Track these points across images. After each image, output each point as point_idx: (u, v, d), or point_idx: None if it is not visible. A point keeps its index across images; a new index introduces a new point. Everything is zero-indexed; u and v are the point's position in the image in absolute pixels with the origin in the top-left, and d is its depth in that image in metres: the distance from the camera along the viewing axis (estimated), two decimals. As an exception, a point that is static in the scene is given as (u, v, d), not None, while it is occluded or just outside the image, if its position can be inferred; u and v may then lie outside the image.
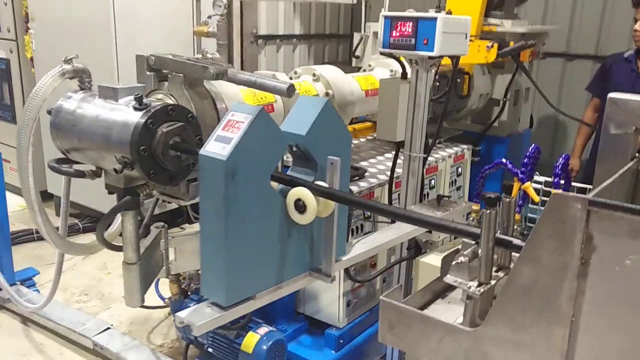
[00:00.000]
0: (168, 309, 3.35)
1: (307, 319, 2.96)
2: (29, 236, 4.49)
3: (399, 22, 2.43)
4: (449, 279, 1.24)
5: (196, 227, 3.98)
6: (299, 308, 2.96)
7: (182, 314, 1.47)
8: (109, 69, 4.04)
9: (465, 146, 3.80)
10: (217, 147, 1.41)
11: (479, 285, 1.21)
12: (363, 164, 3.19)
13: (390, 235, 1.98)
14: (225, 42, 2.64)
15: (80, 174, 1.97)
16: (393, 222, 2.30)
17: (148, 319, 3.54)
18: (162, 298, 3.18)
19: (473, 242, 1.28)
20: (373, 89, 3.25)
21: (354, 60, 5.15)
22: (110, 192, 1.98)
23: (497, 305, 1.13)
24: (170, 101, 2.05)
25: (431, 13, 2.46)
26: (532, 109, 4.83)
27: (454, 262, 1.23)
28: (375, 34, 4.68)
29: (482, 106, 4.16)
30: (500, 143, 4.22)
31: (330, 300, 2.83)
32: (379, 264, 2.95)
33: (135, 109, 1.77)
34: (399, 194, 2.83)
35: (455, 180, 3.71)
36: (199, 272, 2.86)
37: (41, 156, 4.32)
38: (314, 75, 2.94)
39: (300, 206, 1.50)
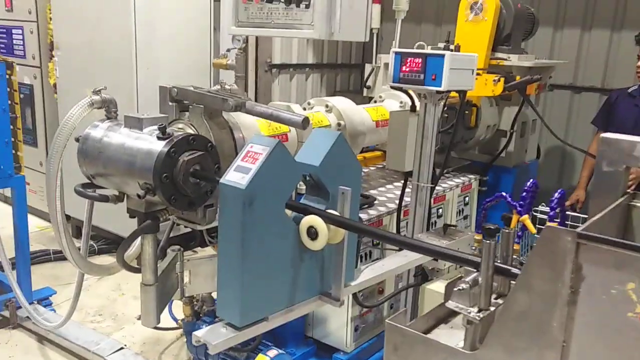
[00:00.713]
0: (180, 331, 3.43)
1: (316, 343, 3.01)
2: (46, 256, 4.61)
3: (409, 58, 2.55)
4: (451, 304, 1.32)
5: (208, 250, 4.07)
6: (308, 332, 3.02)
7: (198, 333, 1.56)
8: (129, 97, 4.19)
9: (472, 176, 3.88)
10: (236, 176, 1.52)
11: (479, 311, 1.29)
12: (372, 192, 3.28)
13: (397, 262, 2.06)
14: (243, 74, 2.77)
15: (104, 199, 2.08)
16: (401, 249, 2.39)
17: (160, 340, 3.61)
18: (175, 319, 3.26)
19: (474, 270, 1.36)
20: (383, 119, 3.36)
21: (365, 90, 5.27)
22: (131, 216, 2.09)
23: (493, 330, 1.21)
24: (190, 130, 2.16)
25: (439, 50, 2.58)
26: (540, 140, 4.91)
27: (455, 289, 1.31)
28: (386, 65, 4.80)
29: (489, 137, 4.25)
30: (507, 173, 4.29)
31: (338, 325, 2.90)
32: (387, 290, 3.02)
33: (159, 138, 1.89)
34: (407, 222, 2.91)
35: (463, 210, 3.78)
36: (212, 294, 2.97)
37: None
38: (326, 106, 3.06)
39: (313, 233, 1.60)
